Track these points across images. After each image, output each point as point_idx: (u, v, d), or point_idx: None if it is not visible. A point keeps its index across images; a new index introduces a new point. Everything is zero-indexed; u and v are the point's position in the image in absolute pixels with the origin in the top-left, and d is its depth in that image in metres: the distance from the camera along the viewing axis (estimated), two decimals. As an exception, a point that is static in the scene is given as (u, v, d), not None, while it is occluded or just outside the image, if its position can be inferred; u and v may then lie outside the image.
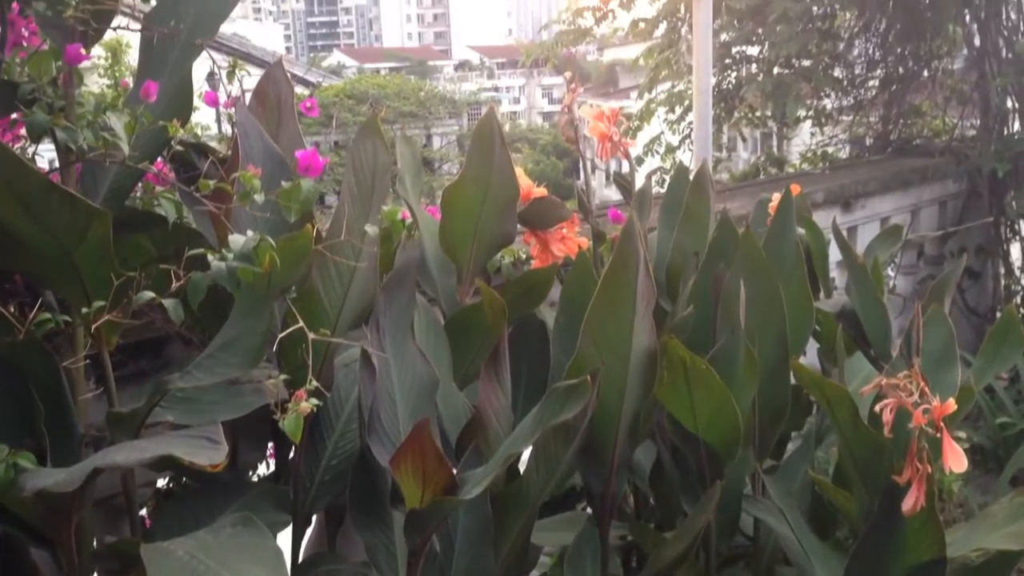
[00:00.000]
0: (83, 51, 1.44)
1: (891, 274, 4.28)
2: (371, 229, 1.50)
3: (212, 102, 2.06)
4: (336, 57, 70.56)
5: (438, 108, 23.73)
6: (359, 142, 1.70)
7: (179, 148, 1.54)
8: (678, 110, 5.50)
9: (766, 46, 4.84)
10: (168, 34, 1.49)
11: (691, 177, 2.59)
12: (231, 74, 2.50)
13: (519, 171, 2.23)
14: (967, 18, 4.51)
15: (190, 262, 1.29)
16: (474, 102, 28.77)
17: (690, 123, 5.00)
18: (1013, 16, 4.34)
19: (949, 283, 2.42)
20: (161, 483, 1.95)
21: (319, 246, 1.42)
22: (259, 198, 1.39)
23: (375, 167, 1.69)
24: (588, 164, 2.67)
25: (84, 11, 1.40)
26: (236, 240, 1.19)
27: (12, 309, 1.49)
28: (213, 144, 2.26)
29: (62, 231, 1.28)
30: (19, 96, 1.44)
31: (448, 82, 49.01)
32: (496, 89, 60.04)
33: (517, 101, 67.19)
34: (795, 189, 2.57)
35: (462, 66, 72.18)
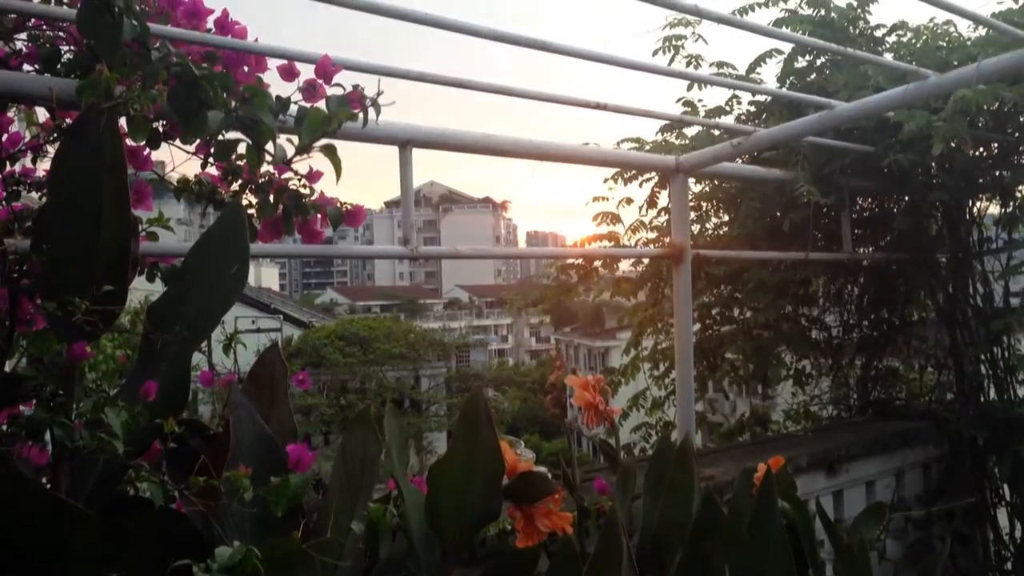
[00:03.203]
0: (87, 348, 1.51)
1: (881, 538, 4.23)
2: (357, 527, 1.51)
3: (208, 382, 2.12)
4: (329, 295, 72.37)
5: (427, 350, 24.11)
6: (351, 432, 1.75)
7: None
8: (662, 366, 5.61)
9: (745, 309, 5.03)
10: (170, 340, 1.56)
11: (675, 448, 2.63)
12: (227, 347, 2.57)
13: (504, 445, 2.27)
14: (936, 289, 4.72)
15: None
16: (462, 344, 29.26)
17: (674, 379, 5.09)
18: (980, 288, 4.54)
19: (937, 564, 2.41)
20: None
21: (305, 545, 1.43)
22: (248, 495, 1.41)
23: (365, 457, 1.72)
24: (573, 437, 2.72)
25: (92, 314, 1.47)
26: (222, 553, 1.20)
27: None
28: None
29: (51, 535, 1.29)
30: (21, 392, 1.49)
31: (437, 320, 50.01)
32: (484, 328, 61.18)
33: (505, 339, 68.36)
34: (777, 462, 2.60)
35: (451, 304, 73.87)
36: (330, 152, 1.92)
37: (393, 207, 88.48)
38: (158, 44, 1.99)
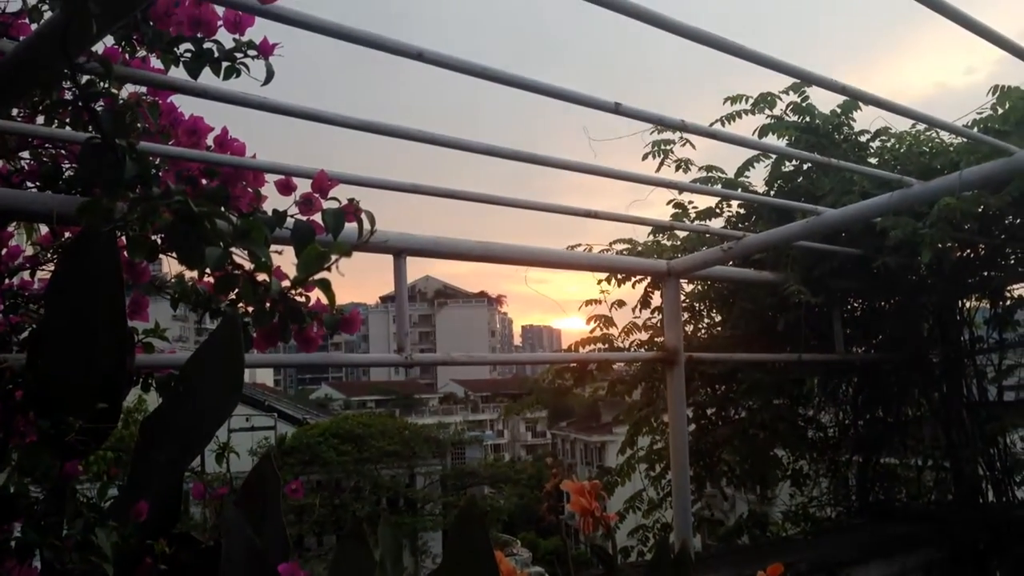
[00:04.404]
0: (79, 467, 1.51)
1: (885, 644, 4.14)
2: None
3: (200, 495, 2.11)
4: (324, 390, 71.83)
5: (422, 447, 23.84)
6: (343, 547, 1.73)
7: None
8: (658, 467, 5.55)
9: (740, 409, 5.01)
10: (163, 459, 1.56)
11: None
12: (220, 457, 2.56)
13: (499, 556, 2.24)
14: (929, 389, 4.72)
15: None
16: (457, 441, 28.97)
17: (670, 480, 5.03)
18: (975, 391, 4.55)
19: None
20: None
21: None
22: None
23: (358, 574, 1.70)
24: (569, 539, 2.68)
25: (85, 432, 1.48)
26: None
27: None
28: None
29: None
30: (12, 512, 1.48)
31: (433, 415, 49.61)
32: (480, 423, 60.65)
33: (501, 434, 67.64)
34: (776, 570, 2.56)
35: (447, 399, 73.31)
36: (324, 287, 1.95)
37: (388, 302, 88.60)
38: (158, 160, 2.04)
